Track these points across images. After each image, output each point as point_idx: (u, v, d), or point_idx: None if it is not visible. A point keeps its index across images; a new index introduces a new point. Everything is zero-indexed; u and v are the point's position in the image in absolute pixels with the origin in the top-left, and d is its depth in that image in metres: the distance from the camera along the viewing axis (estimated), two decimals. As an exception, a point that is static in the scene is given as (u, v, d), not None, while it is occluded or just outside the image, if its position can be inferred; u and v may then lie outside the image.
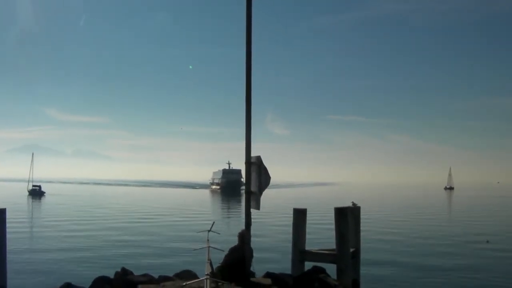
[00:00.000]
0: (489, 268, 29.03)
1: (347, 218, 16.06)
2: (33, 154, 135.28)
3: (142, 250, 34.45)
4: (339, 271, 15.74)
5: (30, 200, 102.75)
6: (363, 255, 18.77)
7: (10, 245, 15.58)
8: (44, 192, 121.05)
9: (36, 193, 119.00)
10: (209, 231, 15.55)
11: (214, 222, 16.14)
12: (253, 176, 11.87)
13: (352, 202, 17.78)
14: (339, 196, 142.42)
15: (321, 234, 33.87)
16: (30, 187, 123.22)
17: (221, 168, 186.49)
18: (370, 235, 40.15)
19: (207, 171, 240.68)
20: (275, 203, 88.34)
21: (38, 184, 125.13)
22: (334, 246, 16.21)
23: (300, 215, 16.78)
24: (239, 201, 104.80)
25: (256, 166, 11.76)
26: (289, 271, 16.50)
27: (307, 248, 16.81)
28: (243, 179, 12.52)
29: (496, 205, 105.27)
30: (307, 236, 17.04)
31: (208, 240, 14.99)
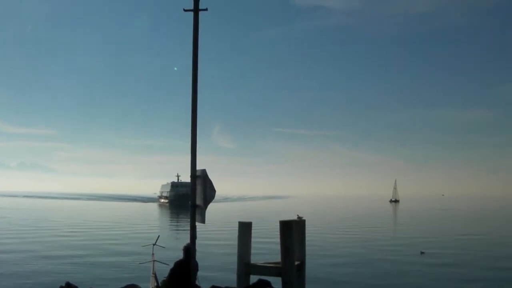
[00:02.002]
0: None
1: (292, 231, 16.23)
2: None
3: (87, 264, 33.91)
4: (284, 284, 15.86)
5: None
6: (308, 268, 18.98)
7: None
8: None
9: None
10: (154, 244, 15.57)
11: (159, 236, 16.16)
12: (198, 189, 11.91)
13: (297, 215, 18.01)
14: (286, 209, 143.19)
15: (267, 247, 34.05)
16: None
17: (170, 181, 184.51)
18: (315, 248, 40.66)
19: (155, 184, 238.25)
20: (222, 217, 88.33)
21: None
22: (279, 259, 16.37)
23: (245, 228, 16.87)
24: (188, 215, 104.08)
25: (201, 180, 11.80)
26: (234, 285, 16.58)
27: (253, 261, 16.92)
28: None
29: (438, 218, 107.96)
30: (253, 249, 17.17)
31: (153, 253, 15.01)
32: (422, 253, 41.61)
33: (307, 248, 18.48)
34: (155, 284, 12.51)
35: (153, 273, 13.01)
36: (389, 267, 34.32)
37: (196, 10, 12.49)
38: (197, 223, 12.17)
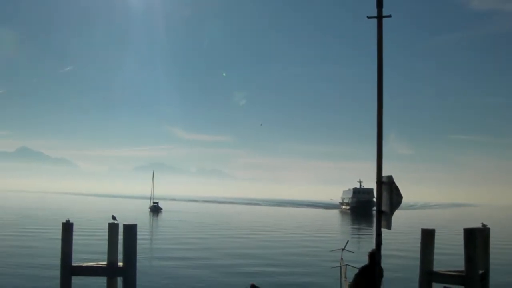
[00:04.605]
0: None
1: (476, 239, 16.00)
2: (153, 172, 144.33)
3: (273, 267, 35.17)
4: (468, 293, 15.65)
5: (149, 216, 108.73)
6: (492, 278, 18.49)
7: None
8: (161, 209, 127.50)
9: (155, 209, 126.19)
10: (343, 249, 16.17)
11: (348, 241, 16.70)
12: (384, 195, 11.79)
13: (482, 223, 17.65)
14: (470, 217, 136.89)
15: (450, 255, 33.38)
16: (151, 204, 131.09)
17: (352, 187, 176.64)
18: (500, 258, 38.93)
19: (330, 190, 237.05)
20: (406, 223, 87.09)
21: (157, 201, 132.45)
22: (463, 268, 16.18)
23: (428, 236, 16.79)
24: (370, 221, 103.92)
25: (387, 186, 11.70)
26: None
27: (435, 269, 16.85)
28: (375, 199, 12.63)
29: None
30: (436, 256, 17.05)
31: (341, 258, 15.64)
32: None
33: (492, 257, 18.03)
34: (346, 288, 13.05)
35: (344, 278, 13.62)
36: None
37: (379, 17, 12.28)
38: (382, 229, 12.25)
